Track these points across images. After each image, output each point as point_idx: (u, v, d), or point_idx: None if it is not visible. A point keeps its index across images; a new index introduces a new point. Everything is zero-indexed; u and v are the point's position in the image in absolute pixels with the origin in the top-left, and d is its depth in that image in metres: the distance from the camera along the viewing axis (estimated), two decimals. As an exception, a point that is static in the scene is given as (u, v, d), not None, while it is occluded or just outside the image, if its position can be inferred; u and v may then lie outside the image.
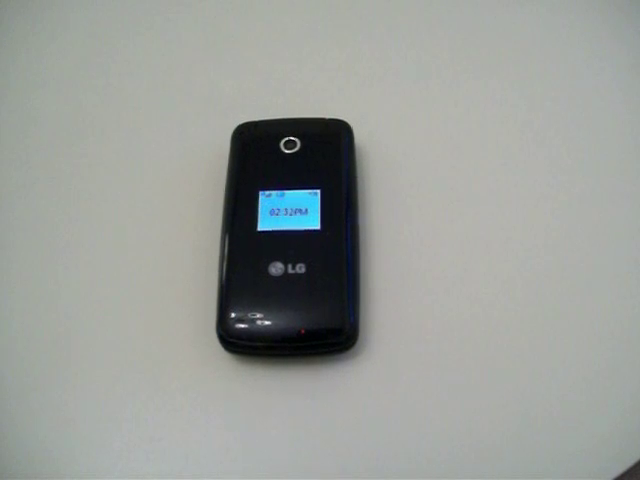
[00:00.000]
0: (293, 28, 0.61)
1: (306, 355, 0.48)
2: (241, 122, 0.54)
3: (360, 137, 0.54)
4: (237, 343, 0.47)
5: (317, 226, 0.49)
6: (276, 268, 0.48)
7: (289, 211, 0.50)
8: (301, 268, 0.48)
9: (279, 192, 0.50)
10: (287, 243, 0.49)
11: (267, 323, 0.47)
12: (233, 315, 0.47)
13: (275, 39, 0.61)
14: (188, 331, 0.49)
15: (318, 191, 0.50)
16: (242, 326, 0.46)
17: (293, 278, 0.48)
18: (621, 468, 0.44)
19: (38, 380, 0.48)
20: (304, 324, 0.47)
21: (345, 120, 0.54)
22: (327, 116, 0.54)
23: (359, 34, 0.61)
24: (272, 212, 0.50)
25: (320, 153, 0.52)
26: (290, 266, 0.48)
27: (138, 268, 0.51)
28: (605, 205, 0.53)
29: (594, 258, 0.51)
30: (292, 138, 0.52)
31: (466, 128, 0.56)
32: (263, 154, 0.53)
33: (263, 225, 0.49)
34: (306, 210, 0.50)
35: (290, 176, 0.51)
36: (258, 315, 0.47)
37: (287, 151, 0.52)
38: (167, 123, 0.57)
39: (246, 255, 0.49)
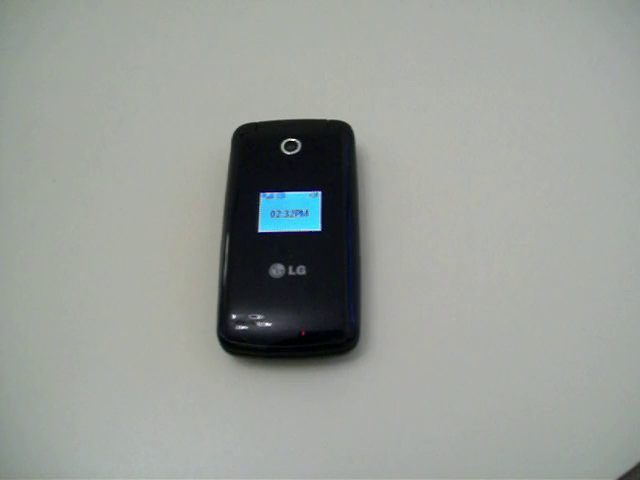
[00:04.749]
0: (293, 29, 0.62)
1: (307, 357, 0.48)
2: (242, 123, 0.54)
3: (361, 138, 0.54)
4: (238, 345, 0.47)
5: (318, 228, 0.49)
6: (277, 270, 0.48)
7: (290, 213, 0.50)
8: (302, 270, 0.48)
9: (280, 194, 0.50)
10: (288, 245, 0.49)
11: (268, 325, 0.47)
12: (234, 317, 0.47)
13: (275, 40, 0.61)
14: (189, 333, 0.49)
15: (319, 193, 0.50)
16: (243, 328, 0.47)
17: (294, 280, 0.48)
18: (622, 468, 0.44)
19: (40, 382, 0.48)
20: (305, 326, 0.47)
21: (346, 121, 0.54)
22: (328, 117, 0.54)
23: (360, 35, 0.61)
24: (273, 214, 0.50)
25: (321, 155, 0.52)
26: (291, 268, 0.48)
27: (139, 270, 0.51)
28: (605, 205, 0.53)
29: (594, 258, 0.51)
30: (293, 139, 0.52)
31: (467, 129, 0.56)
32: (264, 155, 0.53)
33: (264, 227, 0.49)
34: (307, 212, 0.50)
35: (291, 178, 0.51)
36: (259, 317, 0.47)
37: (288, 152, 0.52)
38: (167, 124, 0.57)
39: (247, 257, 0.49)
